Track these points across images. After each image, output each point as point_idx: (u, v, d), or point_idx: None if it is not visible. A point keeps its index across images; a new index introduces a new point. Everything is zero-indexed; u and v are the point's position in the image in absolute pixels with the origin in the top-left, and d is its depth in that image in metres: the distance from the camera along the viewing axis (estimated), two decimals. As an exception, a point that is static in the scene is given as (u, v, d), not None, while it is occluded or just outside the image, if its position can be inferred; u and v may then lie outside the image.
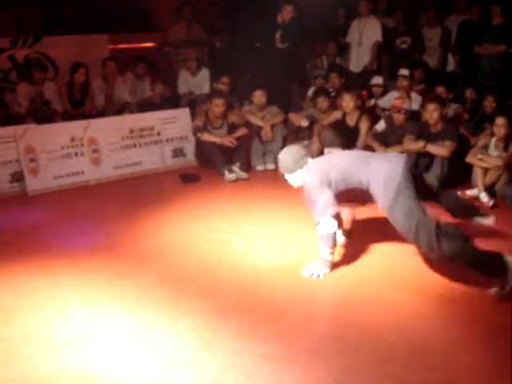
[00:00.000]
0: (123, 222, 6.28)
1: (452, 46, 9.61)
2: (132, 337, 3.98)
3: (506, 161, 6.71)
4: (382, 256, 5.23)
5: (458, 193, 6.98)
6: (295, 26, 9.51)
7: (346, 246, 5.32)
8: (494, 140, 6.93)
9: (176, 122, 8.83)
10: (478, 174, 6.87)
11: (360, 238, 5.45)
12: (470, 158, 7.03)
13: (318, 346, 3.83)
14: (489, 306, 4.33)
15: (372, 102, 9.07)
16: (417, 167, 7.16)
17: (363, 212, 5.72)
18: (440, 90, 8.19)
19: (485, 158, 6.85)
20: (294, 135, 8.79)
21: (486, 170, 6.86)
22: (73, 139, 7.89)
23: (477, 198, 6.79)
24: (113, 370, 3.61)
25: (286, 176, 5.08)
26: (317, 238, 4.79)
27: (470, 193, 6.95)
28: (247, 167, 8.26)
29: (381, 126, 8.10)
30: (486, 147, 7.03)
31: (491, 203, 6.61)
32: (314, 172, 4.83)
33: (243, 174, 7.97)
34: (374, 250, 5.34)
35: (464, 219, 5.35)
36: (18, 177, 7.53)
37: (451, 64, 9.77)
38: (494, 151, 6.92)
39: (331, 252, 4.79)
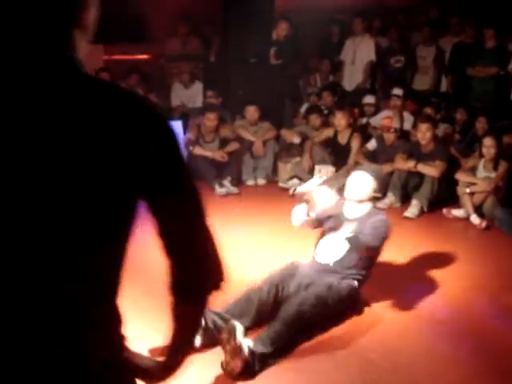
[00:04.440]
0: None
1: (445, 66, 9.66)
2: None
3: (496, 183, 6.74)
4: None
5: (444, 211, 7.02)
6: (290, 43, 9.56)
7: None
8: (482, 161, 6.97)
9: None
10: (465, 199, 6.87)
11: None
12: (460, 176, 7.07)
13: (303, 363, 3.83)
14: (476, 327, 4.34)
15: (364, 120, 9.10)
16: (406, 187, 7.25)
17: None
18: (428, 110, 8.26)
19: (473, 188, 6.86)
20: (285, 151, 8.81)
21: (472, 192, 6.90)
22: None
23: (466, 219, 6.82)
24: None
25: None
26: None
27: (455, 213, 6.97)
28: (238, 182, 8.26)
29: (372, 144, 8.13)
30: (474, 169, 7.06)
31: (484, 225, 6.61)
32: None
33: (233, 189, 7.98)
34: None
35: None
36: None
37: (444, 84, 9.81)
38: (482, 172, 6.95)
39: None
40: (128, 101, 1.37)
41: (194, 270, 1.48)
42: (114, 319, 1.48)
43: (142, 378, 1.61)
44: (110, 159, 1.30)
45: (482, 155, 6.97)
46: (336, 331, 4.26)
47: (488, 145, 6.83)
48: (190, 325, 1.61)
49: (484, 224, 6.63)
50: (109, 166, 1.31)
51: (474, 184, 6.88)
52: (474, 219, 6.73)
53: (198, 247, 1.47)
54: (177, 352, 1.63)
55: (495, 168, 6.84)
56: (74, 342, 1.36)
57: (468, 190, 6.82)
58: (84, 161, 1.28)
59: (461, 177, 7.04)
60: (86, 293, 1.37)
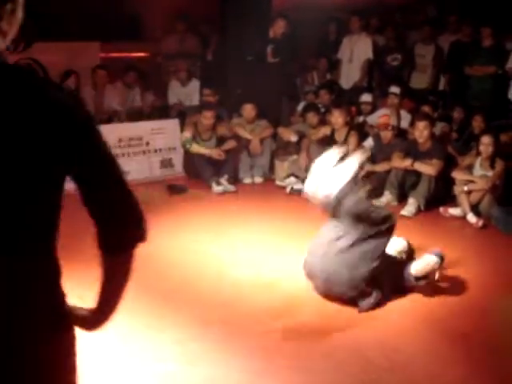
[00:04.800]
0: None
1: (443, 65, 9.67)
2: (114, 346, 3.96)
3: (493, 182, 6.74)
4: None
5: (441, 209, 7.02)
6: (287, 41, 9.55)
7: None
8: (479, 159, 6.97)
9: (165, 133, 8.81)
10: (462, 198, 6.87)
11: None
12: (457, 174, 7.08)
13: (301, 363, 3.83)
14: (475, 325, 4.34)
15: (361, 119, 9.10)
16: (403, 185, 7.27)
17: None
18: (425, 108, 8.27)
19: (470, 186, 6.86)
20: (282, 150, 8.80)
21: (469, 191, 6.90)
22: (61, 146, 7.83)
23: (462, 218, 6.82)
24: (93, 378, 3.58)
25: None
26: None
27: (452, 211, 6.97)
28: (235, 180, 8.25)
29: (369, 143, 8.12)
30: (470, 167, 7.06)
31: (480, 223, 6.62)
32: None
33: (230, 187, 7.97)
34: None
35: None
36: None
37: (442, 83, 9.82)
38: (479, 170, 6.96)
39: None
40: (44, 86, 1.57)
41: (118, 227, 1.70)
42: (54, 273, 1.70)
43: (80, 327, 1.83)
44: (30, 139, 1.51)
45: (479, 153, 6.97)
46: (334, 330, 4.27)
47: (486, 143, 6.83)
48: (117, 277, 1.82)
49: (480, 223, 6.64)
50: (29, 145, 1.50)
51: (471, 182, 6.88)
52: (471, 218, 6.73)
53: (119, 206, 1.70)
54: (106, 302, 1.87)
55: (492, 166, 6.85)
56: (15, 292, 1.57)
57: (466, 188, 6.83)
58: (8, 143, 1.48)
59: (457, 175, 7.04)
60: (22, 250, 1.58)
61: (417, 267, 4.68)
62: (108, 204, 1.68)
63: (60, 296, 1.73)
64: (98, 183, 1.66)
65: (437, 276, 4.78)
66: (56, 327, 1.68)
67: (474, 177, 6.93)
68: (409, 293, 4.77)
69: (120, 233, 1.71)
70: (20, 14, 1.65)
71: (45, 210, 1.62)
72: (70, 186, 1.68)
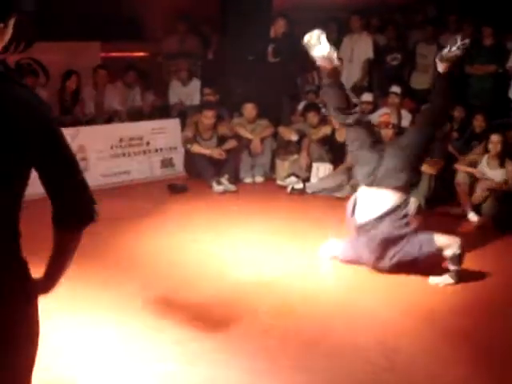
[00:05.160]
0: (109, 231, 6.23)
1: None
2: (115, 346, 3.96)
3: (510, 182, 6.70)
4: (369, 274, 5.22)
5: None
6: (287, 40, 9.54)
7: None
8: (485, 157, 6.94)
9: (166, 132, 8.81)
10: (462, 195, 6.87)
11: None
12: (459, 166, 7.09)
13: (302, 362, 3.82)
14: (475, 325, 4.34)
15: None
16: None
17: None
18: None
19: (491, 184, 6.82)
20: (283, 149, 8.79)
21: (471, 190, 6.88)
22: (61, 146, 7.82)
23: (463, 217, 6.82)
24: (93, 378, 3.58)
25: None
26: None
27: (452, 210, 6.97)
28: (235, 179, 8.25)
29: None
30: (474, 163, 7.03)
31: (481, 223, 6.62)
32: None
33: (231, 187, 7.97)
34: (362, 268, 5.32)
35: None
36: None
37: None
38: (485, 168, 6.94)
39: None
40: (9, 84, 1.84)
41: (70, 208, 1.98)
42: (18, 247, 2.02)
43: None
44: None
45: (486, 151, 6.93)
46: (335, 330, 4.26)
47: (495, 141, 6.80)
48: (66, 251, 2.09)
49: (481, 222, 6.64)
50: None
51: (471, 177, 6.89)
52: (472, 217, 6.73)
53: (71, 191, 1.97)
54: (55, 271, 2.15)
55: (501, 165, 6.81)
56: None
57: (489, 184, 6.77)
58: None
59: (460, 167, 7.05)
60: None
61: (440, 236, 5.00)
62: (62, 189, 1.95)
63: (25, 264, 2.05)
64: (54, 171, 1.93)
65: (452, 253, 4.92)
66: (26, 293, 2.00)
67: (476, 170, 6.91)
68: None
69: (71, 213, 1.99)
70: (10, 32, 1.92)
71: (12, 193, 1.88)
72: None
